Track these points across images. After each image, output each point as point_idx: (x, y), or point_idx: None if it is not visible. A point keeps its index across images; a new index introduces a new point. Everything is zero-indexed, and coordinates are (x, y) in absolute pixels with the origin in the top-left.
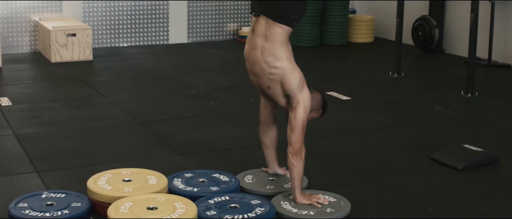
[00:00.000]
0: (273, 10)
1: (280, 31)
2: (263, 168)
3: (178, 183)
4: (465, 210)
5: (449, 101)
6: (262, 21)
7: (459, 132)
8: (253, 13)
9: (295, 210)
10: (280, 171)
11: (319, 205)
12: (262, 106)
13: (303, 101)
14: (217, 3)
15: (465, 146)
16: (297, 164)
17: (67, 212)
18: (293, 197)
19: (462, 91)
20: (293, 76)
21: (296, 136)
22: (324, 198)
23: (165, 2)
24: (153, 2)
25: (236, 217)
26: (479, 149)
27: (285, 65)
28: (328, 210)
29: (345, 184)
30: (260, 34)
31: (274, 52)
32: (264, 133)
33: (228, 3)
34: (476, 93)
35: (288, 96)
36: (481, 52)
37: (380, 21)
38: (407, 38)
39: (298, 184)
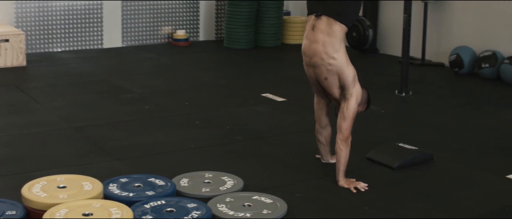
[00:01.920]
0: (334, 10)
1: (340, 29)
2: (316, 155)
3: (113, 188)
4: (401, 208)
5: (384, 101)
6: (324, 19)
7: (394, 131)
8: (314, 14)
9: (231, 213)
10: (332, 160)
11: (355, 191)
12: (316, 103)
13: (356, 94)
14: (151, 4)
15: (400, 144)
16: (344, 149)
17: None
18: (337, 179)
19: (396, 91)
20: (349, 70)
21: (346, 124)
22: (363, 185)
23: (99, 3)
24: (87, 3)
25: None
26: (413, 147)
27: (342, 58)
28: (265, 211)
29: (282, 185)
30: (322, 30)
31: (334, 45)
32: (320, 132)
33: (163, 4)
34: (410, 92)
35: (342, 88)
36: (415, 51)
37: None
38: None
39: (342, 168)
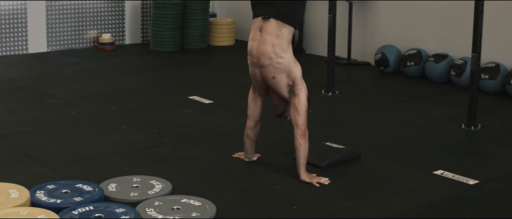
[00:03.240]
0: (282, 13)
1: (288, 31)
2: (238, 153)
3: (41, 195)
4: (330, 207)
5: (310, 101)
6: (273, 22)
7: (321, 130)
8: (261, 17)
9: (160, 216)
10: (255, 157)
11: (318, 185)
12: (253, 101)
13: (305, 88)
14: (76, 4)
15: (327, 143)
16: (304, 143)
17: None
18: (298, 173)
19: (323, 90)
20: (297, 67)
21: (302, 119)
22: (325, 179)
23: (22, 4)
24: (11, 4)
25: None
26: (341, 146)
27: (290, 57)
28: (194, 214)
29: (210, 188)
30: (270, 32)
31: (282, 46)
32: (251, 128)
33: (88, 5)
34: (337, 92)
35: (291, 86)
36: (341, 51)
37: (240, 23)
38: None
39: (303, 162)
